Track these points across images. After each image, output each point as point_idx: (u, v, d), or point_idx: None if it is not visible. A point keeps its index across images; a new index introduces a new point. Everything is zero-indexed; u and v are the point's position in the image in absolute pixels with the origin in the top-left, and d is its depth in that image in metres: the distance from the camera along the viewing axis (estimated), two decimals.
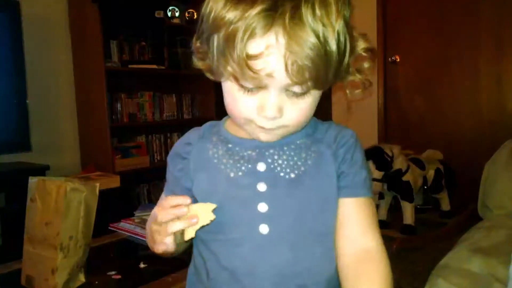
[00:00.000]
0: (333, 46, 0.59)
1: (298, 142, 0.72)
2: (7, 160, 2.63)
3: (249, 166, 0.70)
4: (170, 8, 3.47)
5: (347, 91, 0.74)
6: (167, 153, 3.57)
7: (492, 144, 2.06)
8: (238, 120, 0.68)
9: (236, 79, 0.62)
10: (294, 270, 0.68)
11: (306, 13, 0.56)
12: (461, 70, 3.17)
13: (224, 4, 0.59)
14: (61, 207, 1.13)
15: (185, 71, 3.61)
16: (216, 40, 0.62)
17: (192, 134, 0.79)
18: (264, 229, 0.67)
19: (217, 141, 0.74)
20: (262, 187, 0.68)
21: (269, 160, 0.70)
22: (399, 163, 2.69)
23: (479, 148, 2.98)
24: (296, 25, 0.56)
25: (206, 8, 0.63)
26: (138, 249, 1.52)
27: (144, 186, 3.43)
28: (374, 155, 2.65)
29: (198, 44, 0.70)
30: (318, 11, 0.57)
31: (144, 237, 1.57)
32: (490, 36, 3.03)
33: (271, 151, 0.71)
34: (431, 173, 2.86)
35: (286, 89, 0.62)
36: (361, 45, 0.68)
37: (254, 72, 0.59)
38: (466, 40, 3.12)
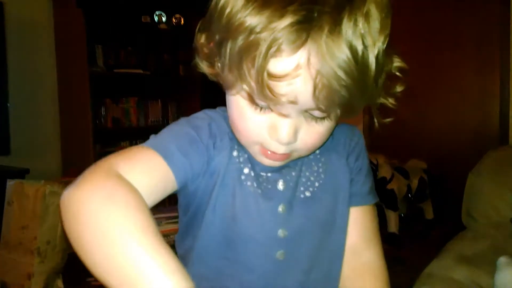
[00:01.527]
0: (372, 70, 0.49)
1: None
2: None
3: (269, 186, 0.61)
4: (157, 13, 3.45)
5: (375, 117, 0.64)
6: None
7: (476, 153, 2.07)
8: (244, 140, 0.58)
9: (251, 98, 0.52)
10: None
11: (348, 29, 0.46)
12: (445, 80, 3.20)
13: (245, 3, 0.47)
14: (39, 211, 1.10)
15: (171, 76, 3.60)
16: (230, 46, 0.49)
17: (215, 130, 0.63)
18: (280, 255, 0.61)
19: (238, 152, 0.62)
20: (282, 208, 0.61)
21: (288, 178, 0.62)
22: (383, 171, 2.70)
23: (462, 158, 3.01)
24: (334, 43, 0.46)
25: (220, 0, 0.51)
26: None
27: None
28: None
29: (203, 41, 0.58)
30: (361, 28, 0.47)
31: None
32: (474, 47, 3.08)
33: (286, 167, 0.63)
34: (415, 182, 2.88)
35: (306, 111, 0.53)
36: (396, 63, 0.61)
37: (274, 96, 0.48)
38: (450, 50, 3.16)
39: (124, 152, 0.55)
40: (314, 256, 0.63)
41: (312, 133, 0.56)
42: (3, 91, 2.56)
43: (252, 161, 0.61)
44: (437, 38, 3.21)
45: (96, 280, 1.41)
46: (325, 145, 0.64)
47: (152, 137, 0.60)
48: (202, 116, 0.65)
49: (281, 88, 0.48)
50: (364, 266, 0.66)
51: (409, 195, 2.87)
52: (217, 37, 0.52)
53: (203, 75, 0.61)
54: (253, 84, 0.49)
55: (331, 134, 0.61)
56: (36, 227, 1.11)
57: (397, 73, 0.61)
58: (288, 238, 0.61)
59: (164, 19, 3.46)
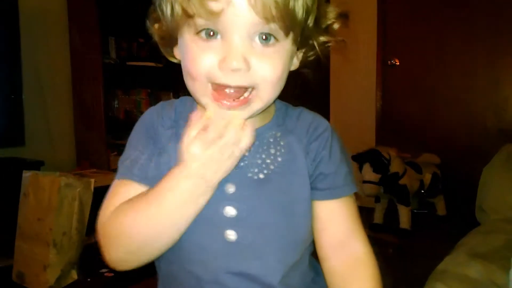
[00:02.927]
0: None
1: (266, 134, 0.65)
2: (0, 155, 2.60)
3: None
4: None
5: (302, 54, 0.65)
6: None
7: (490, 148, 2.05)
8: (197, 84, 0.59)
9: (188, 15, 0.55)
10: (264, 281, 0.62)
11: None
12: (459, 74, 3.16)
13: None
14: (54, 203, 1.11)
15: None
16: None
17: (166, 115, 0.69)
18: (231, 235, 0.60)
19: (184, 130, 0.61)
20: (230, 188, 0.61)
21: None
22: (396, 166, 2.68)
23: (476, 153, 2.98)
24: None
25: None
26: None
27: None
28: (371, 157, 2.64)
29: (152, 13, 0.65)
30: None
31: None
32: (487, 41, 3.03)
33: None
34: (428, 177, 2.85)
35: (251, 37, 0.55)
36: (332, 11, 0.62)
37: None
38: (463, 44, 3.12)
39: (108, 198, 0.64)
40: (271, 241, 0.62)
41: (265, 59, 0.56)
42: (17, 83, 2.58)
43: None
44: (449, 30, 3.17)
45: (109, 271, 1.42)
46: (288, 128, 0.66)
47: (120, 159, 0.67)
48: (146, 116, 0.71)
49: (215, 3, 0.52)
50: (352, 257, 0.66)
51: (422, 190, 2.85)
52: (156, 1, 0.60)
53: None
54: (192, 3, 0.53)
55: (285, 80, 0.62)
56: (51, 219, 1.12)
57: (335, 21, 0.63)
58: (239, 218, 0.61)
59: None
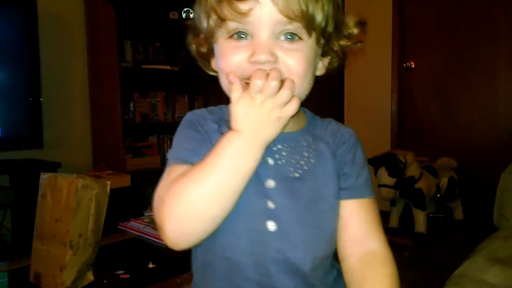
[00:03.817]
0: None
1: (300, 138, 0.72)
2: (19, 156, 2.64)
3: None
4: (185, 9, 3.47)
5: (327, 60, 0.73)
6: None
7: (509, 152, 2.02)
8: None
9: (221, 19, 0.63)
10: (298, 268, 0.66)
11: None
12: (477, 77, 3.12)
13: None
14: (71, 204, 1.12)
15: (198, 72, 3.61)
16: (200, 6, 0.68)
17: (209, 115, 0.74)
18: (271, 226, 0.65)
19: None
20: (271, 183, 0.67)
21: (277, 156, 0.69)
22: (412, 170, 2.65)
23: (494, 157, 2.93)
24: None
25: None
26: (147, 249, 1.51)
27: (154, 186, 3.40)
28: (387, 161, 2.62)
29: (190, 27, 0.75)
30: None
31: (153, 237, 1.56)
32: (507, 43, 2.99)
33: (279, 146, 0.69)
34: (444, 181, 2.82)
35: (277, 36, 0.63)
36: (351, 19, 0.70)
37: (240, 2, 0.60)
38: (482, 45, 3.08)
39: (163, 179, 0.68)
40: (304, 233, 0.67)
41: (291, 53, 0.64)
42: (36, 86, 2.62)
43: None
44: (470, 33, 3.13)
45: (124, 273, 1.42)
46: (318, 135, 0.74)
47: (169, 154, 0.71)
48: (193, 114, 0.75)
49: (243, 3, 0.61)
50: (369, 255, 0.69)
51: (438, 195, 2.81)
52: (196, 15, 0.70)
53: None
54: (223, 7, 0.62)
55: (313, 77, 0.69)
56: (68, 220, 1.13)
57: (355, 29, 0.70)
58: (278, 211, 0.65)
59: (192, 15, 3.47)
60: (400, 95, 3.48)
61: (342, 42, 0.70)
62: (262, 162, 0.65)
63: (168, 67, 3.37)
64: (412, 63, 3.41)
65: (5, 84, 2.53)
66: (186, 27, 0.76)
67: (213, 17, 0.65)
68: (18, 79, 2.58)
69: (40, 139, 2.63)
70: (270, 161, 0.68)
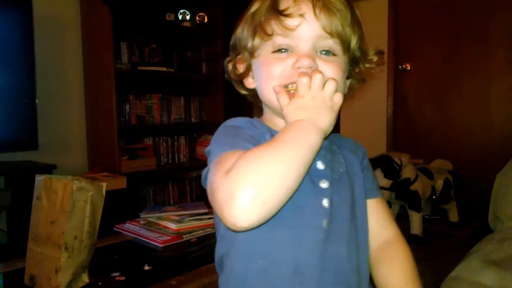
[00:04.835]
0: (356, 14, 0.72)
1: (331, 145, 0.78)
2: (15, 158, 2.63)
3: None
4: (181, 11, 3.47)
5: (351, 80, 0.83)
6: (174, 155, 3.58)
7: (503, 154, 2.03)
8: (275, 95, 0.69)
9: (268, 35, 0.70)
10: (349, 266, 0.70)
11: None
12: (471, 79, 3.13)
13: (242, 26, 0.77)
14: (66, 206, 1.12)
15: (194, 74, 3.62)
16: (245, 26, 0.75)
17: (249, 123, 0.76)
18: (326, 223, 0.69)
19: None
20: (324, 184, 0.71)
21: (325, 160, 0.74)
22: (407, 172, 2.65)
23: (489, 159, 2.95)
24: None
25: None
26: (143, 251, 1.50)
27: (150, 188, 3.42)
28: (382, 163, 2.62)
29: (230, 48, 0.81)
30: None
31: (149, 239, 1.55)
32: (502, 46, 3.00)
33: (323, 152, 0.74)
34: (439, 183, 2.81)
35: (316, 49, 0.70)
36: (372, 49, 0.79)
37: (287, 15, 0.67)
38: (477, 49, 3.10)
39: (215, 167, 0.64)
40: (348, 227, 0.72)
41: (329, 63, 0.70)
42: (31, 88, 2.61)
43: None
44: (465, 36, 3.14)
45: (120, 275, 1.42)
46: (339, 144, 0.81)
47: (215, 148, 0.70)
48: (237, 121, 0.77)
49: (290, 10, 0.67)
50: (385, 242, 0.80)
51: (434, 196, 2.81)
52: (239, 33, 0.77)
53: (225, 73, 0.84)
54: (272, 24, 0.69)
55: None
56: (63, 222, 1.13)
57: (374, 57, 0.80)
58: (330, 209, 0.70)
59: (188, 17, 3.48)
60: (396, 97, 3.49)
61: (366, 65, 0.79)
62: (313, 165, 0.71)
63: (164, 69, 3.36)
64: (408, 66, 3.42)
65: (0, 86, 2.52)
66: (182, 29, 0.82)
67: (261, 33, 0.71)
68: (13, 81, 2.58)
69: (35, 141, 2.62)
70: (320, 165, 0.73)
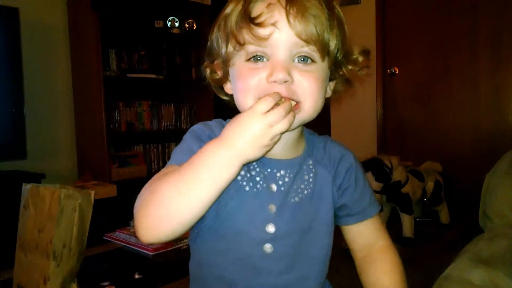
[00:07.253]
0: (335, 16, 0.67)
1: (302, 163, 0.74)
2: (2, 167, 2.60)
3: (264, 184, 0.70)
4: (170, 18, 3.47)
5: (335, 83, 0.77)
6: (164, 162, 3.55)
7: (492, 155, 2.04)
8: (249, 100, 0.66)
9: (245, 52, 0.66)
10: None
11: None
12: (459, 81, 3.17)
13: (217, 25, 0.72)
14: (54, 213, 1.11)
15: (184, 80, 3.61)
16: (218, 31, 0.71)
17: (215, 128, 0.75)
18: (268, 248, 0.69)
19: None
20: (272, 208, 0.70)
21: (280, 182, 0.71)
22: (398, 174, 2.66)
23: (478, 160, 2.97)
24: None
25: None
26: (133, 259, 1.49)
27: None
28: (373, 166, 2.63)
29: (206, 53, 0.77)
30: None
31: (139, 247, 1.54)
32: (489, 47, 3.04)
33: (282, 172, 0.72)
34: (430, 185, 2.83)
35: (292, 58, 0.66)
36: (357, 48, 0.74)
37: (258, 24, 0.63)
38: (464, 51, 3.13)
39: (161, 173, 0.66)
40: (294, 256, 0.71)
41: (306, 74, 0.66)
42: (19, 96, 2.59)
43: (247, 165, 0.68)
44: (452, 38, 3.18)
45: (110, 284, 1.40)
46: (317, 159, 0.76)
47: (172, 157, 0.72)
48: (200, 127, 0.76)
49: (261, 18, 0.63)
50: (375, 249, 0.80)
51: (425, 199, 2.83)
52: (213, 40, 0.74)
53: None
54: (243, 33, 0.65)
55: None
56: (51, 230, 1.11)
57: (359, 56, 0.74)
58: (276, 235, 0.69)
59: (177, 24, 3.48)
60: (385, 100, 3.51)
61: (350, 67, 0.74)
62: (266, 189, 0.70)
63: (153, 76, 3.36)
64: (396, 69, 3.44)
65: None
66: (171, 36, 0.80)
67: (232, 42, 0.67)
68: (0, 89, 2.55)
69: (23, 150, 2.60)
70: (274, 187, 0.71)
